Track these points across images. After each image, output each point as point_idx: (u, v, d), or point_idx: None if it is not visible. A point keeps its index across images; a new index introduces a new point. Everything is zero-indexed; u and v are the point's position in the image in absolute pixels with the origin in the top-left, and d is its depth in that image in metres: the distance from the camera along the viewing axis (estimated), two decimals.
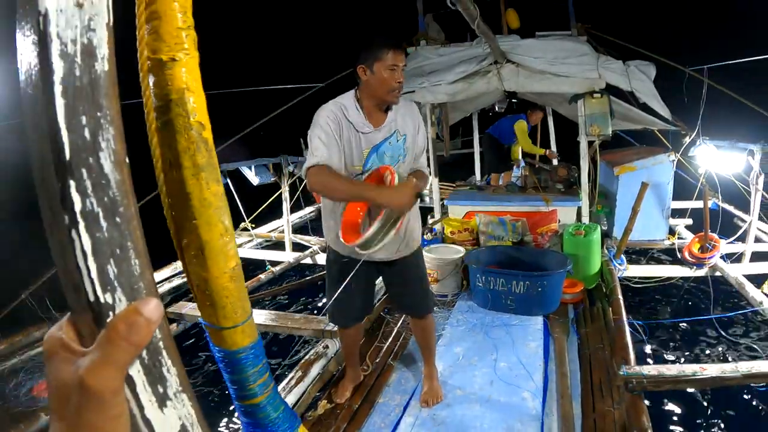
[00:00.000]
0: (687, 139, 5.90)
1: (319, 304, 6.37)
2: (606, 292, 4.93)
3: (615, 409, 3.23)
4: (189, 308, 4.64)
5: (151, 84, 0.69)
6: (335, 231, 2.95)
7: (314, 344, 3.99)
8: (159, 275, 5.64)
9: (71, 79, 0.52)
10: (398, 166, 2.84)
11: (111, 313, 0.55)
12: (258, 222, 7.73)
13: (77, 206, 0.52)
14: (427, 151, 6.46)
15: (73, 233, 0.53)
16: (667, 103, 5.58)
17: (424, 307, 3.29)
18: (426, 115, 6.29)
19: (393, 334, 4.37)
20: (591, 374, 3.70)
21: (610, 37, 6.09)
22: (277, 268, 6.16)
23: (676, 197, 6.48)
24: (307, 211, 8.80)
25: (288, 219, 6.85)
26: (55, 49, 0.51)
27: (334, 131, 2.67)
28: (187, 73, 0.69)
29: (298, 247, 6.91)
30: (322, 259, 6.11)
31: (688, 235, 6.44)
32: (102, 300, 0.54)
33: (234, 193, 6.47)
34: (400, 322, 4.51)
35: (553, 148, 9.60)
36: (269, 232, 7.98)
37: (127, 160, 0.58)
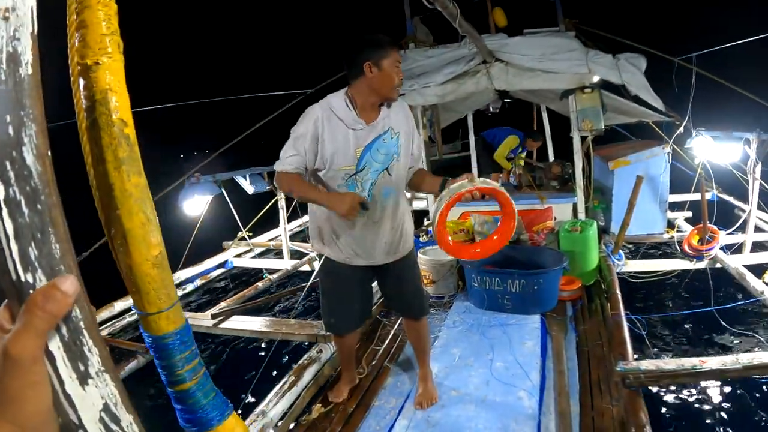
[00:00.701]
0: (681, 129, 5.85)
1: (317, 311, 6.36)
2: (604, 288, 4.89)
3: (613, 405, 3.19)
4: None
5: (81, 87, 0.74)
6: (328, 237, 2.96)
7: (309, 349, 3.95)
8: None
9: None
10: (393, 164, 2.82)
11: (31, 292, 0.59)
12: (257, 231, 7.74)
13: (1, 194, 0.58)
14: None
15: None
16: (659, 94, 5.53)
17: (419, 309, 3.26)
18: (417, 118, 6.27)
19: (389, 336, 4.35)
20: (589, 371, 3.67)
21: (599, 31, 6.05)
22: (275, 275, 6.15)
23: (674, 190, 6.44)
24: (305, 218, 8.79)
25: (285, 227, 6.85)
26: None
27: (308, 140, 2.68)
28: (111, 75, 0.74)
29: (296, 254, 6.91)
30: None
31: (688, 228, 6.40)
32: (23, 279, 0.59)
33: (230, 203, 6.47)
34: (397, 324, 4.49)
35: (550, 144, 9.56)
36: (268, 240, 7.98)
37: (49, 154, 0.63)
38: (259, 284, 5.85)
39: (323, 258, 3.10)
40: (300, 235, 8.39)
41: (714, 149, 5.74)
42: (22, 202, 0.59)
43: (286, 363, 5.10)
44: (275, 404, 3.21)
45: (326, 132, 2.67)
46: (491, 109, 8.98)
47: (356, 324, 3.29)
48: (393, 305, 3.57)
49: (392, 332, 4.40)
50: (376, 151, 2.76)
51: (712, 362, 3.07)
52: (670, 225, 6.60)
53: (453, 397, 3.36)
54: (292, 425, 3.34)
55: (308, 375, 3.58)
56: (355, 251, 2.96)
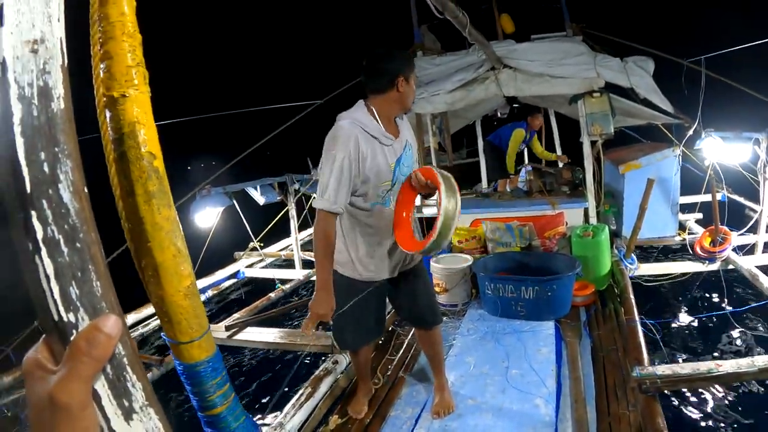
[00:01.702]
0: (690, 132, 5.83)
1: (330, 321, 6.36)
2: (617, 292, 4.88)
3: (630, 411, 3.17)
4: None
5: (107, 119, 0.75)
6: (351, 256, 2.94)
7: (324, 360, 3.96)
8: None
9: (29, 119, 0.58)
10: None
11: (74, 332, 0.59)
12: (268, 241, 7.75)
13: (39, 234, 0.57)
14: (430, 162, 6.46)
15: (37, 259, 0.58)
16: (667, 97, 5.52)
17: (431, 320, 3.24)
18: (427, 125, 6.28)
19: (404, 346, 4.35)
20: (605, 377, 3.65)
21: (606, 35, 6.05)
22: (287, 285, 6.17)
23: (685, 192, 6.41)
24: None
25: (296, 236, 6.86)
26: (13, 93, 0.57)
27: (353, 162, 2.59)
28: (138, 107, 0.74)
29: (308, 264, 6.92)
30: None
31: (699, 230, 6.37)
32: (65, 319, 0.58)
33: (240, 213, 6.50)
34: (411, 334, 4.47)
35: (558, 150, 9.55)
36: (279, 251, 7.99)
37: (86, 190, 0.62)
38: (272, 295, 5.87)
39: (336, 275, 3.01)
40: (311, 245, 8.40)
41: (724, 150, 5.72)
42: (61, 241, 0.59)
43: (302, 374, 5.10)
44: (293, 416, 3.21)
45: (368, 150, 2.63)
46: (499, 114, 8.98)
47: (371, 338, 3.28)
48: (405, 316, 3.55)
49: (406, 342, 4.40)
50: (403, 165, 2.78)
51: (728, 365, 3.06)
52: (682, 227, 6.57)
53: (470, 406, 3.36)
54: None
55: (324, 386, 3.59)
56: (373, 267, 2.95)
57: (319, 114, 2.80)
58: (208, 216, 6.10)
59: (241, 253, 7.58)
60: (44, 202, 0.58)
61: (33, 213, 0.57)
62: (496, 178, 7.90)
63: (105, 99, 0.73)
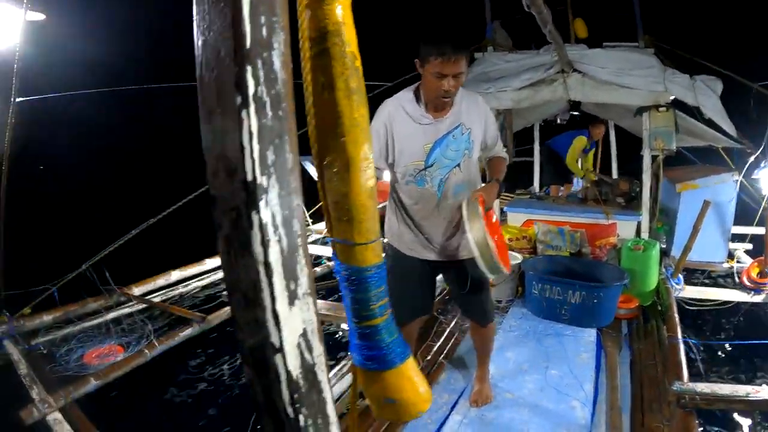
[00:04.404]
0: (752, 158, 5.71)
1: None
2: (661, 309, 4.86)
3: (665, 425, 3.20)
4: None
5: (307, 18, 0.77)
6: (396, 227, 2.98)
7: None
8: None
9: None
10: (464, 160, 2.78)
11: (264, 197, 0.59)
12: (318, 217, 7.81)
13: (250, 90, 0.58)
14: None
15: (243, 113, 0.58)
16: (732, 120, 5.43)
17: (484, 316, 3.22)
18: None
19: (445, 333, 4.42)
20: (642, 390, 3.67)
21: (678, 51, 5.96)
22: (333, 263, 6.24)
23: (736, 222, 6.30)
24: None
25: None
26: None
27: (382, 135, 2.70)
28: (342, 10, 0.77)
29: None
30: None
31: (748, 260, 6.25)
32: (258, 181, 0.58)
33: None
34: (453, 322, 4.54)
35: (614, 163, 9.47)
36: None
37: (291, 65, 0.64)
38: (317, 269, 5.96)
39: (387, 245, 3.09)
40: None
41: None
42: (268, 103, 0.60)
43: (346, 346, 5.19)
44: (333, 386, 3.28)
45: (395, 127, 2.68)
46: (558, 120, 8.92)
47: (411, 316, 3.15)
48: (460, 307, 3.61)
49: (448, 330, 4.47)
50: (446, 148, 2.73)
51: (766, 392, 3.06)
52: (730, 255, 6.46)
53: (507, 399, 3.44)
54: (345, 410, 3.41)
55: None
56: (414, 244, 2.97)
57: (387, 96, 2.85)
58: None
59: None
60: (259, 61, 0.59)
61: (248, 68, 0.58)
62: (548, 183, 7.86)
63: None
